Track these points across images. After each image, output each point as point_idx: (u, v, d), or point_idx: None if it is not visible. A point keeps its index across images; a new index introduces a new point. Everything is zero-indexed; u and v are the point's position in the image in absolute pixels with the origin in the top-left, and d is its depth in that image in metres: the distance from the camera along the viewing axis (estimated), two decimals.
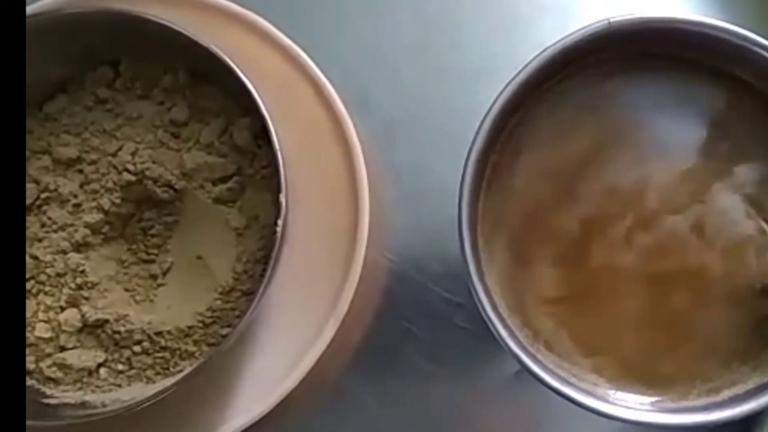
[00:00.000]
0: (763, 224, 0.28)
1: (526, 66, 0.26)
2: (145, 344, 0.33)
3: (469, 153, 0.26)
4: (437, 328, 0.37)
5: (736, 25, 0.27)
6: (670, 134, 0.28)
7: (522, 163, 0.28)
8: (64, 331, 0.33)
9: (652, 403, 0.28)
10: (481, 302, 0.27)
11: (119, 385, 0.33)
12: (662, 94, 0.28)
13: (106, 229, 0.34)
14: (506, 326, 0.27)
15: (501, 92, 0.26)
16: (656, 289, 0.28)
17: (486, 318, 0.27)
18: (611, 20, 0.26)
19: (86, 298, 0.33)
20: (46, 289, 0.34)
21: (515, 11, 0.40)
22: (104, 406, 0.32)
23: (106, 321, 0.33)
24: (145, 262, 0.35)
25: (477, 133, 0.26)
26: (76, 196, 0.34)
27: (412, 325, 0.37)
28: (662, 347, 0.28)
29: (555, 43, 0.26)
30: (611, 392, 0.28)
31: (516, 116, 0.28)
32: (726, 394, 0.27)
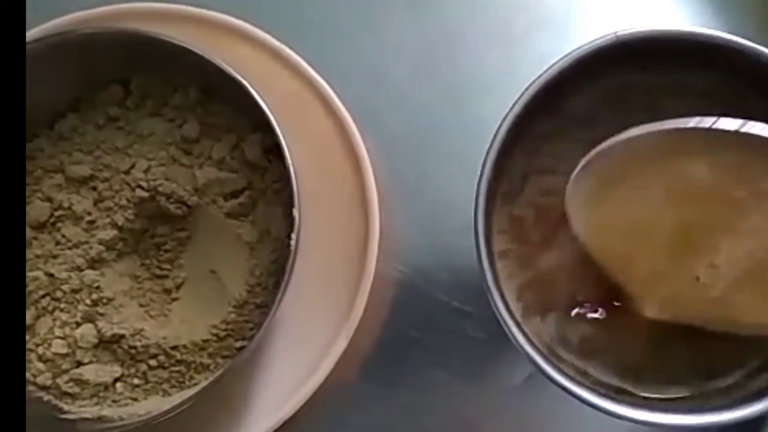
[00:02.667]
0: None
1: (537, 78, 0.27)
2: (161, 358, 0.33)
3: (484, 162, 0.27)
4: (447, 337, 0.37)
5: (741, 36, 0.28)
6: None
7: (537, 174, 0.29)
8: (80, 347, 0.33)
9: (666, 404, 0.29)
10: (497, 307, 0.27)
11: (136, 399, 0.33)
12: None
13: (120, 245, 0.35)
14: (522, 331, 0.27)
15: (513, 105, 0.27)
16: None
17: (502, 322, 0.27)
18: (618, 33, 0.27)
19: (102, 314, 0.34)
20: (62, 305, 0.34)
21: (513, 27, 0.41)
22: (121, 419, 0.32)
23: (122, 336, 0.33)
24: (159, 277, 0.35)
25: (492, 141, 0.27)
26: (90, 214, 0.35)
27: (423, 334, 0.37)
28: (679, 349, 0.29)
29: (571, 53, 0.27)
30: (627, 395, 0.29)
31: (529, 127, 0.29)
32: (738, 393, 0.28)
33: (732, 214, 0.27)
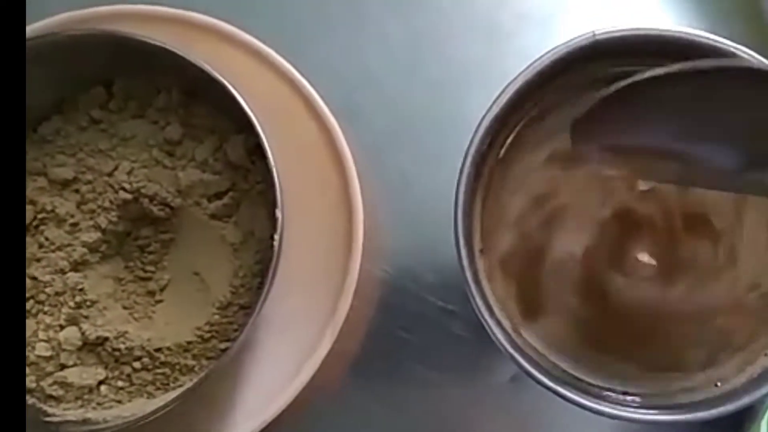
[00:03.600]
0: None
1: (518, 76, 0.27)
2: (145, 360, 0.33)
3: (463, 162, 0.27)
4: (433, 336, 0.37)
5: (723, 36, 0.28)
6: None
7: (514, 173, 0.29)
8: (64, 350, 0.33)
9: (647, 402, 0.29)
10: (478, 307, 0.27)
11: (120, 402, 0.33)
12: None
13: (103, 247, 0.35)
14: (503, 330, 0.28)
15: (490, 107, 0.27)
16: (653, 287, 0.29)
17: (484, 322, 0.27)
18: (596, 33, 0.27)
19: (85, 317, 0.34)
20: (46, 308, 0.34)
21: (499, 23, 0.41)
22: (106, 422, 0.32)
23: (106, 338, 0.33)
24: (143, 279, 0.35)
25: (470, 142, 0.27)
26: (73, 216, 0.34)
27: (409, 334, 0.37)
28: (658, 345, 0.29)
29: (547, 53, 0.27)
30: (609, 393, 0.29)
31: (507, 127, 0.29)
32: (720, 389, 0.28)
33: None
